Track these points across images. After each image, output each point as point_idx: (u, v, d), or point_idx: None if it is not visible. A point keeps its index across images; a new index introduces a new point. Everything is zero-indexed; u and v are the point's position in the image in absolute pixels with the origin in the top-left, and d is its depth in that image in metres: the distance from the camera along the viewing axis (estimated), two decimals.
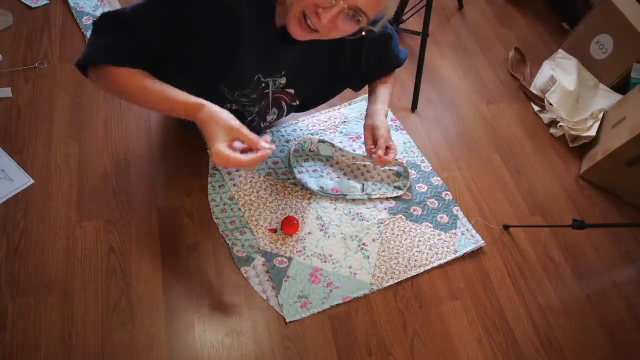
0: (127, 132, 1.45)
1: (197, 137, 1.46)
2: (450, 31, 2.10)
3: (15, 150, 1.34)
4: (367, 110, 1.26)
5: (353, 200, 1.47)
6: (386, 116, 1.22)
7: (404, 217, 1.47)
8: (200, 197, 1.38)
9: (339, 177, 1.51)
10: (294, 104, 1.31)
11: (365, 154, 1.55)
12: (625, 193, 1.71)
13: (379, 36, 1.19)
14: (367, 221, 1.43)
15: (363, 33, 0.89)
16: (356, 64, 1.23)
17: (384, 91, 1.27)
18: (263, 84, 1.16)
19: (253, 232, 1.34)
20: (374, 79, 1.30)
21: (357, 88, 1.36)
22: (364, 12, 0.83)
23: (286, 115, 1.37)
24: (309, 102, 1.41)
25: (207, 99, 0.90)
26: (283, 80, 1.19)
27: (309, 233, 1.37)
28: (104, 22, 0.91)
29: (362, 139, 1.59)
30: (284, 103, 1.28)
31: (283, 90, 1.23)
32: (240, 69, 1.07)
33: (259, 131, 1.43)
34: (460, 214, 1.52)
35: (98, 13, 1.69)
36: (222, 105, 0.90)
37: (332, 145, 1.54)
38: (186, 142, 1.46)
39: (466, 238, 1.47)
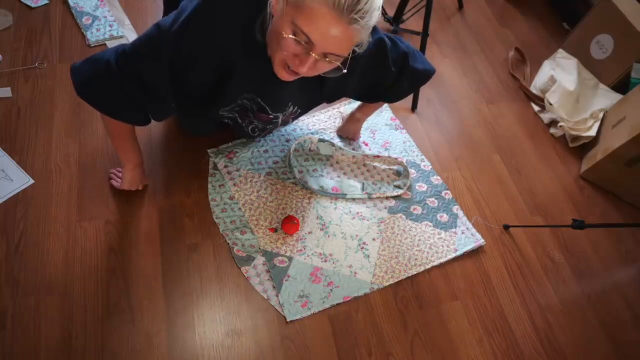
0: None
1: (197, 137, 1.46)
2: (450, 31, 2.10)
3: (15, 150, 1.34)
4: (353, 112, 1.52)
5: (353, 199, 1.47)
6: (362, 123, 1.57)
7: (404, 216, 1.47)
8: (200, 197, 1.38)
9: (339, 177, 1.51)
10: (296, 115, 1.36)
11: (365, 153, 1.56)
12: (625, 193, 1.71)
13: (386, 78, 1.21)
14: (368, 220, 1.43)
15: (344, 71, 0.92)
16: (337, 92, 1.26)
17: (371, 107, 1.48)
18: (272, 116, 1.20)
19: (253, 231, 1.34)
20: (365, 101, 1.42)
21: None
22: (337, 54, 0.86)
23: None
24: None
25: (205, 118, 1.23)
26: (290, 109, 1.23)
27: (309, 232, 1.37)
28: (120, 71, 0.96)
29: (362, 138, 1.61)
30: (290, 119, 1.33)
31: (291, 113, 1.27)
32: (233, 97, 1.11)
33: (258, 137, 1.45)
34: (460, 213, 1.52)
35: (98, 13, 1.69)
36: (220, 120, 1.21)
37: (332, 145, 1.54)
38: (186, 142, 1.46)
39: (466, 237, 1.47)
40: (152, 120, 1.12)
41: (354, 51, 0.91)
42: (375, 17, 0.84)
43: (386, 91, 1.27)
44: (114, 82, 0.98)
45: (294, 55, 0.87)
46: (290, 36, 0.83)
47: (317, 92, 1.20)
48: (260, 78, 1.05)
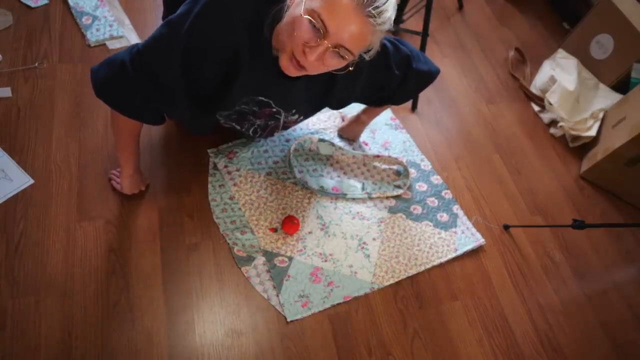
0: None
1: (196, 136, 1.46)
2: (450, 31, 2.10)
3: (15, 150, 1.34)
4: (359, 114, 1.51)
5: (353, 199, 1.47)
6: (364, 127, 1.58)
7: (404, 216, 1.47)
8: (200, 197, 1.38)
9: (339, 177, 1.51)
10: (299, 122, 1.37)
11: (365, 153, 1.56)
12: (625, 193, 1.71)
13: (391, 79, 1.21)
14: (368, 220, 1.43)
15: (350, 68, 0.94)
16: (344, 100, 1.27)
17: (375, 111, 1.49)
18: (274, 109, 1.19)
19: (254, 231, 1.34)
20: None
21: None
22: (349, 49, 0.87)
23: None
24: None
25: (206, 118, 1.19)
26: (295, 117, 1.24)
27: (309, 232, 1.37)
28: (134, 71, 0.96)
29: (362, 138, 1.61)
30: (292, 124, 1.34)
31: (294, 121, 1.29)
32: (236, 98, 1.10)
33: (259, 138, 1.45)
34: (460, 213, 1.52)
35: (98, 13, 1.69)
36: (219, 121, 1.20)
37: (332, 144, 1.54)
38: (186, 142, 1.46)
39: (466, 237, 1.47)
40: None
41: (360, 56, 0.92)
42: (388, 22, 0.87)
43: (392, 95, 1.28)
44: (129, 82, 0.99)
45: (304, 44, 0.86)
46: (307, 17, 0.83)
47: (321, 97, 1.21)
48: (264, 79, 1.04)
